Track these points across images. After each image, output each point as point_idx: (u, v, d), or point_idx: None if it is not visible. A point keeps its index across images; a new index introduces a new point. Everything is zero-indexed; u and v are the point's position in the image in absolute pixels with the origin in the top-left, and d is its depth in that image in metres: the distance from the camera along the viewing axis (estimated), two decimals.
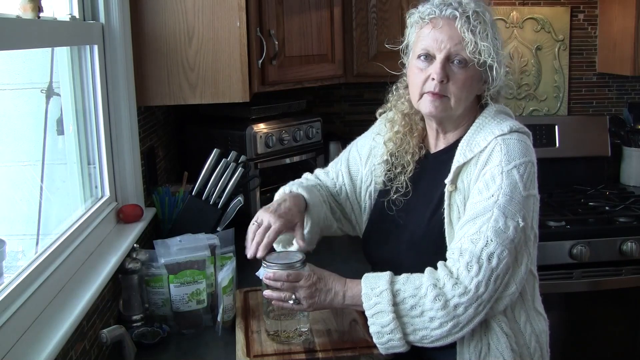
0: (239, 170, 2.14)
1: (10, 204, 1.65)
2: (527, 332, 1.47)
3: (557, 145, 3.05)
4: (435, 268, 1.41)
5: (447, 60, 1.43)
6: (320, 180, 1.80)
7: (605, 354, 2.66)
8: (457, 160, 1.45)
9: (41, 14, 1.43)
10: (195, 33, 2.01)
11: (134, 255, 1.68)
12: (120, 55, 1.88)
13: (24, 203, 1.69)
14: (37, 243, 1.62)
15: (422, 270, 1.42)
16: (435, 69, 1.43)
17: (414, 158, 1.60)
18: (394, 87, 1.65)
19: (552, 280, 2.51)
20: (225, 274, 1.65)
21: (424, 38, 1.47)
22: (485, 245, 1.34)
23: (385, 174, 1.64)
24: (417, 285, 1.37)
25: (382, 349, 1.42)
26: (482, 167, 1.41)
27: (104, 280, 1.53)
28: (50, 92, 1.74)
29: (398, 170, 1.61)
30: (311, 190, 1.68)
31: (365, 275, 1.45)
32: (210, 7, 2.00)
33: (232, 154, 2.18)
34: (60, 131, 1.80)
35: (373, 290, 1.39)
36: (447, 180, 1.46)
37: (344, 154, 1.80)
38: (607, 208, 2.74)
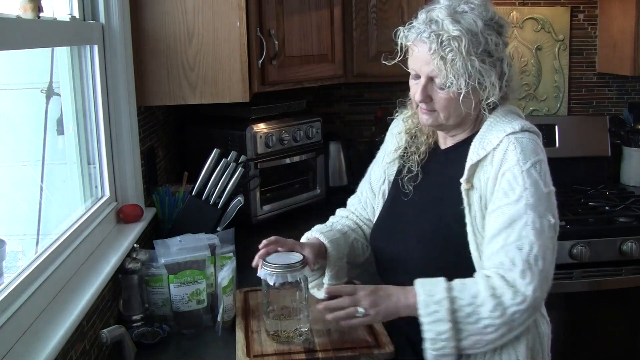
0: (239, 170, 2.14)
1: (10, 204, 1.65)
2: (530, 334, 1.47)
3: (557, 145, 3.05)
4: (445, 263, 1.45)
5: (430, 80, 1.47)
6: (351, 209, 1.82)
7: (605, 354, 2.66)
8: (471, 158, 1.46)
9: (41, 14, 1.43)
10: (195, 33, 2.01)
11: (134, 255, 1.68)
12: (120, 55, 1.88)
13: (24, 203, 1.69)
14: (37, 243, 1.62)
15: (431, 265, 1.45)
16: (418, 89, 1.48)
17: (426, 148, 1.63)
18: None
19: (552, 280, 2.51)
20: (225, 274, 1.65)
21: (410, 58, 1.51)
22: (531, 250, 1.35)
23: (401, 157, 1.66)
24: (474, 294, 1.36)
25: (432, 356, 1.39)
26: (499, 166, 1.42)
27: (104, 280, 1.53)
28: (50, 92, 1.74)
29: (412, 150, 1.63)
30: (329, 231, 1.69)
31: (419, 281, 1.42)
32: (210, 7, 2.00)
33: (232, 154, 2.18)
34: (60, 131, 1.80)
35: (431, 298, 1.37)
36: (463, 179, 1.46)
37: (368, 170, 1.83)
38: (607, 208, 2.74)
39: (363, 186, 1.81)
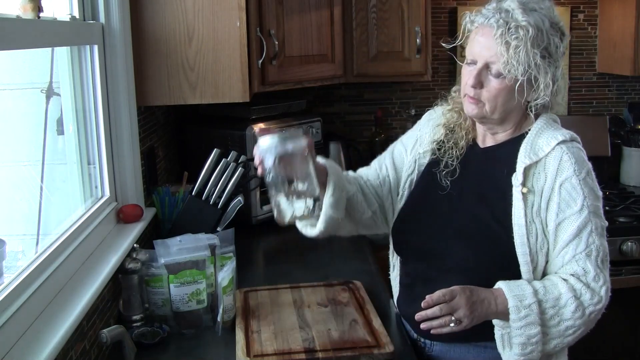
0: (239, 170, 2.14)
1: (10, 204, 1.65)
2: None
3: None
4: (486, 258, 1.46)
5: (486, 68, 1.45)
6: (360, 174, 1.76)
7: (606, 354, 2.66)
8: (523, 161, 1.47)
9: (41, 14, 1.43)
10: (195, 33, 2.01)
11: (134, 255, 1.68)
12: (120, 56, 1.88)
13: (24, 203, 1.69)
14: (37, 243, 1.62)
15: (469, 261, 1.46)
16: (471, 74, 1.47)
17: (464, 143, 1.61)
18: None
19: None
20: (225, 274, 1.65)
21: (470, 44, 1.50)
22: (598, 254, 1.43)
23: (437, 149, 1.63)
24: (556, 296, 1.40)
25: None
26: (554, 175, 1.44)
27: (104, 280, 1.53)
28: (50, 92, 1.74)
29: (449, 144, 1.61)
30: (337, 169, 1.63)
31: (504, 284, 1.42)
32: (210, 7, 2.00)
33: (232, 154, 2.18)
34: (60, 131, 1.80)
35: (522, 302, 1.39)
36: (518, 182, 1.46)
37: (389, 148, 1.78)
38: (607, 208, 2.73)
39: (383, 161, 1.75)
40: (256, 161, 1.45)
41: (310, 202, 1.48)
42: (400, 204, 1.70)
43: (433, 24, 2.87)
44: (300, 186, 1.45)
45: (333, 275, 2.02)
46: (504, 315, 1.41)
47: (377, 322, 1.62)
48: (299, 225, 1.65)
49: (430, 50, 2.77)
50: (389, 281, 1.81)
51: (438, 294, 1.38)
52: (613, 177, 3.18)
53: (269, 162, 1.42)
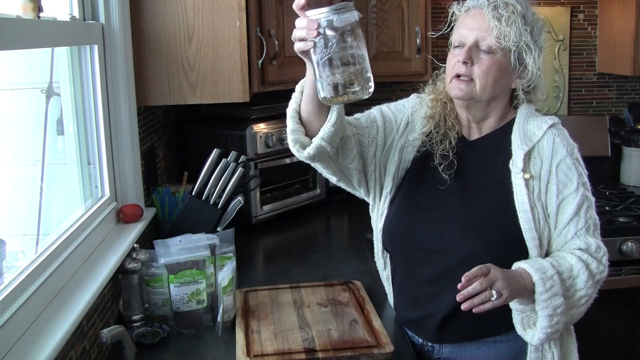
0: (239, 170, 2.14)
1: (10, 204, 1.65)
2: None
3: None
4: (496, 249, 1.47)
5: (475, 46, 1.47)
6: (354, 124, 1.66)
7: (606, 354, 2.66)
8: (521, 147, 1.50)
9: (41, 14, 1.43)
10: (195, 33, 2.01)
11: (134, 255, 1.68)
12: (120, 55, 1.88)
13: (24, 203, 1.69)
14: (37, 243, 1.62)
15: (481, 255, 1.45)
16: (460, 52, 1.48)
17: (454, 135, 1.59)
18: (435, 75, 1.67)
19: None
20: (225, 274, 1.65)
21: (457, 29, 1.53)
22: (595, 227, 1.53)
23: (429, 140, 1.60)
24: (569, 267, 1.45)
25: (545, 334, 1.43)
26: (550, 158, 1.50)
27: (104, 280, 1.53)
28: (50, 92, 1.74)
29: (437, 138, 1.59)
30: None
31: (522, 262, 1.44)
32: (210, 7, 2.00)
33: (232, 154, 2.18)
34: (60, 131, 1.80)
35: (545, 274, 1.41)
36: (518, 169, 1.48)
37: (374, 110, 1.71)
38: (607, 208, 2.74)
39: (372, 119, 1.68)
40: (302, 34, 1.29)
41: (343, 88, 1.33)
42: (386, 185, 1.64)
43: (433, 24, 2.86)
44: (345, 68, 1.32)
45: (333, 275, 2.02)
46: (529, 292, 1.41)
47: (377, 322, 1.62)
48: (291, 139, 1.51)
49: (431, 50, 2.77)
50: None
51: (475, 269, 1.35)
52: (613, 177, 3.18)
53: (320, 33, 1.27)
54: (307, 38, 1.28)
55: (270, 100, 2.63)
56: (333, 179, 1.66)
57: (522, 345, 1.52)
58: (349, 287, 1.87)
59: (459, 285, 1.34)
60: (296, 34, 1.30)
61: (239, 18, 2.01)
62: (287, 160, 2.61)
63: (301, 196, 2.72)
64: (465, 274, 1.34)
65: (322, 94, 1.34)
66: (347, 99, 1.34)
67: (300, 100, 1.48)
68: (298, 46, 1.31)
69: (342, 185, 1.68)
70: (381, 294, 1.87)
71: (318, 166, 1.60)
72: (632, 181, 3.11)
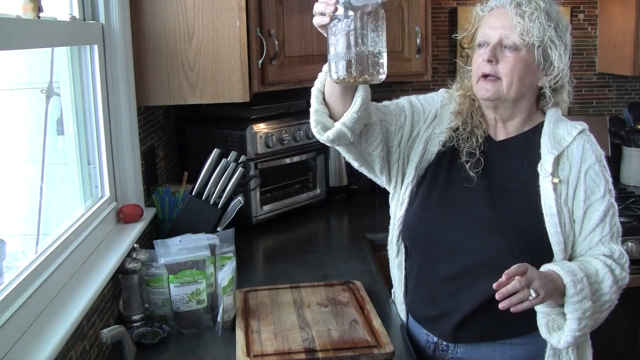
0: (239, 170, 2.14)
1: (10, 204, 1.65)
2: None
3: None
4: (521, 251, 1.45)
5: (500, 44, 1.47)
6: (382, 111, 1.64)
7: (606, 354, 2.66)
8: (551, 152, 1.49)
9: (41, 14, 1.43)
10: (195, 33, 2.01)
11: (134, 255, 1.68)
12: (120, 55, 1.88)
13: (24, 203, 1.69)
14: (37, 243, 1.62)
15: (504, 256, 1.43)
16: (485, 50, 1.48)
17: (481, 133, 1.58)
18: (462, 71, 1.65)
19: None
20: (225, 274, 1.65)
21: (481, 29, 1.53)
22: (618, 235, 1.54)
23: (455, 136, 1.59)
24: (594, 272, 1.45)
25: (574, 337, 1.41)
26: (579, 164, 1.50)
27: (104, 280, 1.53)
28: (50, 92, 1.74)
29: (464, 136, 1.58)
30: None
31: (550, 265, 1.43)
32: (210, 7, 2.00)
33: (232, 154, 2.18)
34: (60, 131, 1.80)
35: (575, 277, 1.40)
36: (547, 172, 1.48)
37: (402, 99, 1.68)
38: None
39: (400, 108, 1.65)
40: (320, 8, 1.30)
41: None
42: (410, 183, 1.62)
43: (433, 24, 2.87)
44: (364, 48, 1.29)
45: (333, 275, 2.02)
46: (559, 295, 1.39)
47: (377, 322, 1.62)
48: (313, 119, 1.51)
49: (430, 50, 2.77)
50: (389, 281, 1.80)
51: (514, 267, 1.32)
52: (613, 177, 3.16)
53: (337, 8, 1.28)
54: (324, 12, 1.29)
55: (270, 100, 2.63)
56: (355, 164, 1.66)
57: (538, 349, 1.51)
58: (349, 287, 1.87)
59: (494, 285, 1.30)
60: (316, 7, 1.32)
61: (239, 18, 2.01)
62: (287, 160, 2.61)
63: (301, 196, 2.72)
64: (506, 272, 1.30)
65: (330, 72, 1.34)
66: (352, 81, 1.32)
67: (325, 81, 1.48)
68: (316, 20, 1.33)
69: (364, 171, 1.68)
70: (381, 294, 1.87)
71: (340, 149, 1.61)
72: (632, 181, 3.10)
